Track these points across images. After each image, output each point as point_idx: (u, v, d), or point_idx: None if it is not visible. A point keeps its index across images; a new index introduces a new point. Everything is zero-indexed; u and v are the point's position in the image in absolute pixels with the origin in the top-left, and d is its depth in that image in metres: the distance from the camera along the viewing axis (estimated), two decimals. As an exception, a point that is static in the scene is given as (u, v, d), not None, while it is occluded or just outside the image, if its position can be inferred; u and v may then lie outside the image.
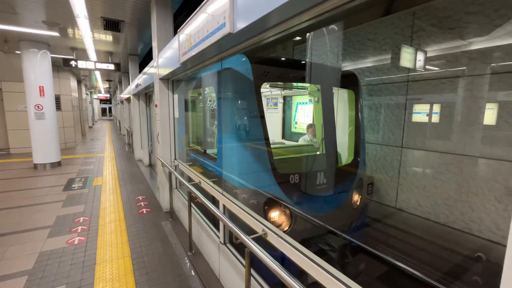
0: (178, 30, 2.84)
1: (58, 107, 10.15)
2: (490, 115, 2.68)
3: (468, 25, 2.76)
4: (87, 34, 6.07)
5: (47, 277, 2.61)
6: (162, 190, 4.51)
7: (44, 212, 4.21)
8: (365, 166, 3.34)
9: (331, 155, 2.98)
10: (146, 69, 5.65)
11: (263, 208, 2.33)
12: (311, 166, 3.00)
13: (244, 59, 2.38)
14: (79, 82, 14.85)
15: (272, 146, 2.87)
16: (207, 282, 2.58)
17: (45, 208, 4.39)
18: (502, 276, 0.62)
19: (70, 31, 5.94)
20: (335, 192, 2.78)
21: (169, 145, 4.34)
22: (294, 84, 4.10)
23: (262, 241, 1.70)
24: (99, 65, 7.51)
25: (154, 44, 4.34)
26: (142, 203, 4.69)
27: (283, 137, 5.33)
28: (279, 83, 4.04)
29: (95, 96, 26.97)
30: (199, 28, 2.22)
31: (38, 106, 6.95)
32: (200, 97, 3.92)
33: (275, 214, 2.39)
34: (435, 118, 3.20)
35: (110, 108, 43.07)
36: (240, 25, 1.57)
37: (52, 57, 7.32)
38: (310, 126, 3.75)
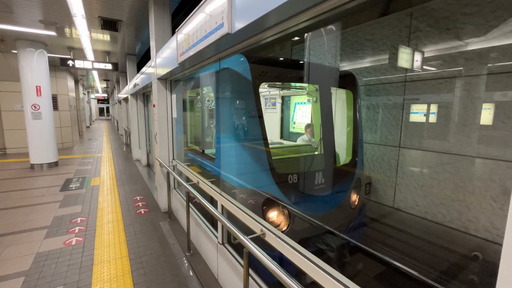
0: (176, 30, 2.84)
1: (55, 107, 10.09)
2: (486, 115, 2.70)
3: (465, 26, 2.78)
4: (84, 34, 6.04)
5: (44, 278, 2.59)
6: (160, 190, 4.49)
7: (41, 212, 4.19)
8: (363, 166, 3.35)
9: (329, 155, 2.99)
10: (144, 69, 5.63)
11: (262, 208, 2.33)
12: (309, 166, 3.00)
13: (242, 59, 2.38)
14: (76, 81, 14.77)
15: (270, 146, 2.87)
16: (205, 283, 2.58)
17: (42, 208, 4.36)
18: (498, 274, 0.63)
19: (67, 30, 5.90)
20: (333, 192, 2.79)
21: (167, 145, 4.33)
22: (293, 84, 4.11)
23: (260, 241, 1.70)
24: (96, 65, 7.47)
25: (152, 44, 4.32)
26: (140, 204, 4.67)
27: (281, 137, 5.33)
28: (277, 83, 4.04)
29: (92, 96, 26.83)
30: (197, 28, 2.21)
31: (35, 106, 6.91)
32: (198, 97, 3.91)
33: (273, 214, 2.39)
34: (432, 118, 3.22)
35: (107, 108, 42.87)
36: (238, 25, 1.57)
37: (49, 57, 7.27)
38: (308, 126, 3.76)
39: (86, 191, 5.29)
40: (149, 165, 7.89)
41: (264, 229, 1.72)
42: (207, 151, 3.45)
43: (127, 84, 9.89)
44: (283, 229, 2.40)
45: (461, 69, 2.88)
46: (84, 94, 19.59)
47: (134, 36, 6.54)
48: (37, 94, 6.90)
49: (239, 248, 2.37)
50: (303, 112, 4.91)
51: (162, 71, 3.80)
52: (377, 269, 2.72)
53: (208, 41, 1.96)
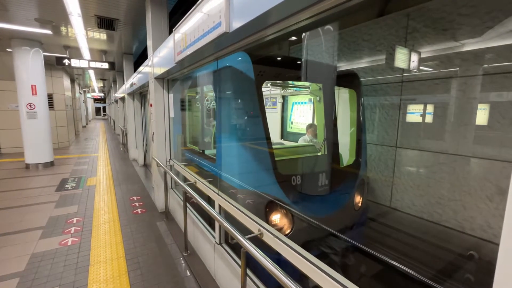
0: (174, 29, 2.82)
1: (51, 106, 10.00)
2: (482, 115, 2.72)
3: (461, 27, 2.80)
4: (80, 33, 5.99)
5: (39, 279, 2.57)
6: (157, 190, 4.47)
7: (37, 213, 4.14)
8: (366, 167, 3.32)
9: (333, 155, 2.93)
10: (141, 68, 5.60)
11: (265, 210, 2.28)
12: (312, 167, 2.95)
13: (244, 57, 2.30)
14: (72, 81, 14.65)
15: (272, 146, 2.86)
16: (203, 283, 2.57)
17: (37, 208, 4.32)
18: (495, 273, 0.63)
19: (63, 29, 5.85)
20: (337, 193, 2.74)
21: (164, 145, 4.31)
22: (295, 83, 4.06)
23: (258, 241, 1.69)
24: (93, 64, 7.41)
25: (149, 43, 4.30)
26: (137, 204, 4.65)
27: (282, 137, 5.34)
28: (279, 81, 3.96)
29: (89, 95, 26.63)
30: (194, 27, 2.20)
31: (30, 105, 6.84)
32: (198, 96, 3.86)
33: (276, 217, 2.35)
34: (429, 118, 3.24)
35: (104, 108, 42.57)
36: (236, 24, 1.56)
37: (44, 56, 7.20)
38: (310, 126, 3.70)
39: (82, 191, 5.25)
40: (146, 165, 7.85)
41: (261, 229, 1.72)
42: (206, 152, 3.38)
43: (124, 83, 9.83)
44: (287, 231, 2.35)
45: (457, 70, 2.90)
46: (80, 93, 19.44)
47: (131, 35, 6.50)
48: (33, 93, 6.83)
49: (236, 248, 2.37)
50: (300, 112, 4.91)
51: (159, 71, 3.78)
52: (374, 268, 2.73)
53: (206, 40, 1.96)
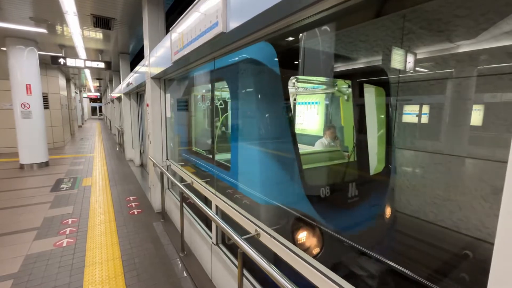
0: (170, 29, 2.81)
1: (46, 105, 9.89)
2: (476, 116, 2.75)
3: (457, 28, 2.82)
4: (76, 32, 5.94)
5: (33, 280, 2.54)
6: (153, 191, 4.45)
7: (31, 213, 4.10)
8: (396, 173, 2.94)
9: (364, 162, 2.57)
10: (137, 68, 5.57)
11: (291, 228, 1.99)
12: (342, 176, 2.61)
13: (268, 48, 1.97)
14: (68, 80, 14.52)
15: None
16: (200, 283, 2.56)
17: (32, 209, 4.27)
18: (490, 272, 0.64)
19: (58, 28, 5.79)
20: (368, 205, 2.45)
21: (160, 145, 4.29)
22: (317, 79, 3.37)
23: (255, 241, 1.69)
24: (89, 63, 7.35)
25: (146, 43, 4.28)
26: (133, 204, 4.62)
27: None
28: (310, 78, 3.29)
29: (84, 94, 26.41)
30: (191, 27, 2.20)
31: (24, 105, 6.76)
32: (207, 95, 3.47)
33: (304, 235, 2.06)
34: (425, 119, 3.27)
35: (100, 107, 42.26)
36: (233, 24, 1.56)
37: (39, 55, 7.13)
38: (328, 128, 3.37)
39: (77, 191, 5.20)
40: (142, 165, 7.80)
41: (258, 229, 1.71)
42: (218, 157, 2.93)
43: (120, 83, 9.76)
44: (317, 252, 2.06)
45: (452, 71, 2.93)
46: (76, 93, 19.27)
47: (127, 35, 6.46)
48: (27, 93, 6.75)
49: (233, 248, 2.36)
50: (298, 112, 4.91)
51: (156, 70, 3.76)
52: (371, 267, 2.74)
53: (203, 40, 1.95)
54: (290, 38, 1.90)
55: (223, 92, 3.14)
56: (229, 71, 2.38)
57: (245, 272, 2.08)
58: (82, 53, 7.86)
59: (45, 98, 9.09)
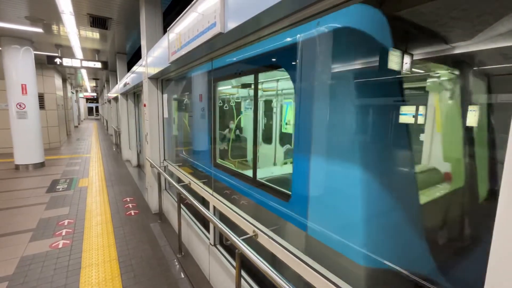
0: (168, 29, 2.80)
1: (42, 106, 9.81)
2: (472, 117, 2.77)
3: (453, 30, 2.85)
4: (72, 31, 5.90)
5: (29, 282, 2.51)
6: (150, 192, 4.43)
7: (26, 215, 4.05)
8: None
9: (473, 186, 1.79)
10: (134, 68, 5.54)
11: None
12: (455, 210, 1.81)
13: (376, 14, 1.35)
14: (64, 80, 14.40)
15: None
16: (197, 285, 2.55)
17: (27, 210, 4.22)
18: (487, 273, 0.64)
19: (54, 27, 5.75)
20: (482, 248, 1.62)
21: (158, 146, 4.27)
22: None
23: (253, 242, 1.69)
24: (85, 63, 7.30)
25: (143, 43, 4.26)
26: (130, 205, 4.59)
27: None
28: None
29: (81, 95, 26.23)
30: (189, 27, 2.19)
31: (20, 105, 6.69)
32: (245, 90, 2.87)
33: None
34: (421, 120, 3.29)
35: (97, 107, 41.99)
36: (231, 25, 1.56)
37: (35, 54, 7.07)
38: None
39: (73, 192, 5.16)
40: (139, 166, 7.76)
41: (256, 230, 1.71)
42: (260, 175, 2.06)
43: (117, 83, 9.71)
44: None
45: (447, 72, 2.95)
46: (72, 93, 19.13)
47: (124, 35, 6.43)
48: (23, 93, 6.69)
49: (231, 249, 2.36)
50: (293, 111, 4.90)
51: (153, 70, 3.75)
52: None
53: (200, 40, 1.95)
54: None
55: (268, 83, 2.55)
56: (293, 53, 1.57)
57: (243, 273, 2.08)
58: (78, 53, 7.81)
59: (41, 98, 9.00)
